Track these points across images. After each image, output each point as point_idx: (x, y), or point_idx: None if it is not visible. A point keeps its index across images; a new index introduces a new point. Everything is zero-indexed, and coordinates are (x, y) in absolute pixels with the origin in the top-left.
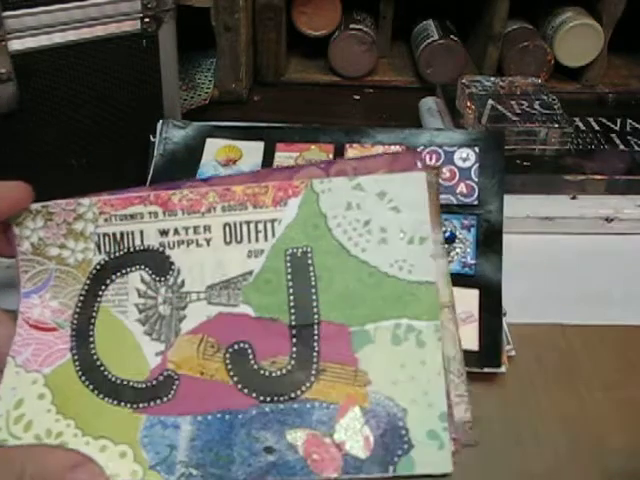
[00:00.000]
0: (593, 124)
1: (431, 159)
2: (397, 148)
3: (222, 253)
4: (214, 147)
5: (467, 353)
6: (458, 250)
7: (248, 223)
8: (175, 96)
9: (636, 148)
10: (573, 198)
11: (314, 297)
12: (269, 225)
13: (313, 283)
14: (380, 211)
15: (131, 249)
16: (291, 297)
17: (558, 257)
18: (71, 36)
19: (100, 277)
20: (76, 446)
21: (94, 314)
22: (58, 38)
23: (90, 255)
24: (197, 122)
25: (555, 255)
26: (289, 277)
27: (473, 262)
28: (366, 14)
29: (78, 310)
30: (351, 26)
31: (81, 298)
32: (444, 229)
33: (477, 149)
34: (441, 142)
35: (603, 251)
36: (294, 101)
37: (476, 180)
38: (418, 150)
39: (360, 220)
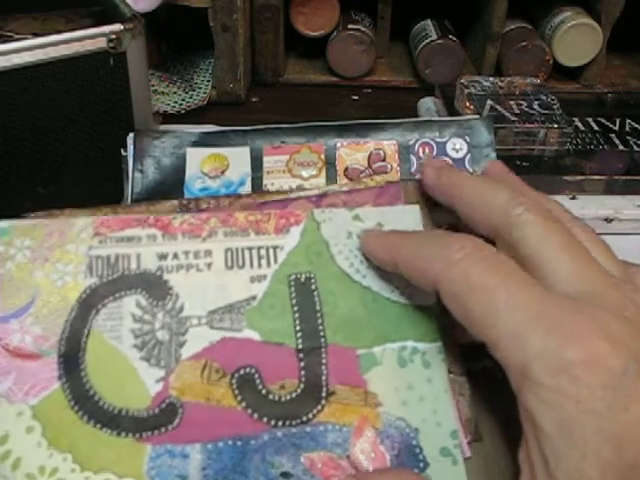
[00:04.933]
0: (592, 124)
1: (424, 151)
2: (391, 143)
3: (224, 277)
4: (197, 157)
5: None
6: None
7: (250, 249)
8: (147, 114)
9: (635, 148)
10: (572, 198)
11: (320, 321)
12: (271, 251)
13: (318, 307)
14: None
15: (126, 272)
16: (297, 321)
17: None
18: (30, 57)
19: (90, 301)
20: None
21: (84, 340)
22: (17, 59)
23: (80, 278)
24: (172, 131)
25: None
26: (293, 302)
27: None
28: (364, 14)
29: (65, 336)
30: (349, 26)
31: (68, 324)
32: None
33: (467, 138)
34: (432, 134)
35: None
36: (292, 101)
37: (470, 170)
38: (399, 181)
39: (361, 249)
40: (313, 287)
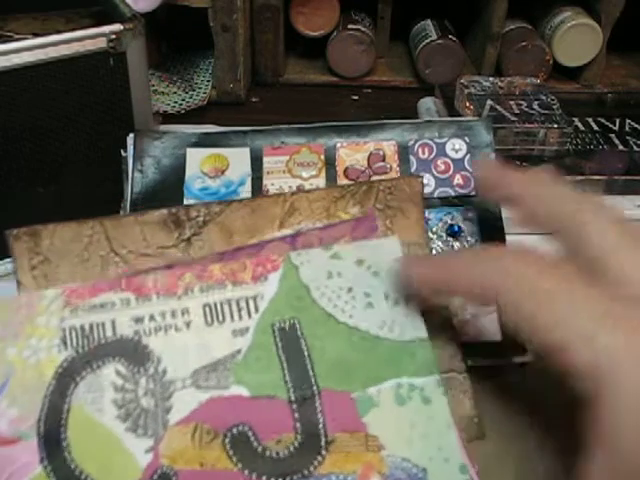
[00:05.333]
0: (592, 124)
1: (424, 152)
2: (390, 144)
3: (204, 335)
4: (197, 157)
5: (490, 344)
6: (465, 243)
7: (229, 301)
8: (147, 114)
9: (635, 148)
10: None
11: (309, 368)
12: (251, 301)
13: (306, 354)
14: (361, 277)
15: (102, 341)
16: (285, 371)
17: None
18: (30, 57)
19: (68, 375)
20: None
21: (64, 417)
22: (17, 59)
23: (55, 352)
24: (172, 132)
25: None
26: (280, 351)
27: None
28: (364, 14)
29: (44, 415)
30: (349, 26)
31: (46, 401)
32: (451, 223)
33: (467, 139)
34: (431, 135)
35: None
36: (292, 101)
37: (470, 170)
38: (372, 213)
39: (343, 288)
40: (299, 333)
